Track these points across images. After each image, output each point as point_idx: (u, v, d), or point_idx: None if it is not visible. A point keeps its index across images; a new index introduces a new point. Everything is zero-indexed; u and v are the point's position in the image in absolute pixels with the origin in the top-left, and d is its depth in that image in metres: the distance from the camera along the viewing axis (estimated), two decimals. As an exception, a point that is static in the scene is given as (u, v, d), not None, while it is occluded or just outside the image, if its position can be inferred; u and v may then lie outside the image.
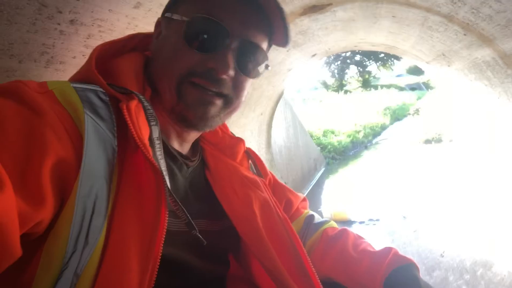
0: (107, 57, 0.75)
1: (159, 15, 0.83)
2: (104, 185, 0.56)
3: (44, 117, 0.53)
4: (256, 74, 0.80)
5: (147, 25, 1.54)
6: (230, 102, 0.78)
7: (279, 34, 0.79)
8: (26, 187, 0.48)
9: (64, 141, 0.54)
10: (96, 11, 1.28)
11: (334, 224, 1.04)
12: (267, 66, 0.81)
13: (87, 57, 0.71)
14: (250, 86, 0.82)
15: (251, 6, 0.74)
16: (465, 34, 2.28)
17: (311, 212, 1.07)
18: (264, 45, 0.79)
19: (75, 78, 0.69)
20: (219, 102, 0.76)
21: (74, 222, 0.52)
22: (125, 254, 0.56)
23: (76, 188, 0.53)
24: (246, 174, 0.89)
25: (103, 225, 0.55)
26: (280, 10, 0.74)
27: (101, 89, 0.65)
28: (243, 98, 0.81)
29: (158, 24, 0.82)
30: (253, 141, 4.44)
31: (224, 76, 0.73)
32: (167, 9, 0.81)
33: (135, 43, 0.85)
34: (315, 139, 10.01)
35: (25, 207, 0.47)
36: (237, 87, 0.77)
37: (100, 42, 1.42)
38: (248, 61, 0.76)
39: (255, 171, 0.99)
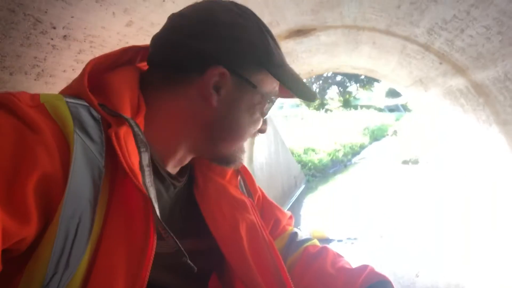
0: (101, 71, 0.73)
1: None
2: (88, 207, 0.55)
3: (38, 132, 0.52)
4: None
5: (137, 42, 1.53)
6: None
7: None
8: (11, 201, 0.47)
9: (54, 157, 0.53)
10: (89, 27, 1.31)
11: (316, 242, 1.04)
12: None
13: (76, 71, 0.69)
14: None
15: None
16: (440, 63, 2.41)
17: (295, 230, 1.08)
18: None
19: (67, 92, 0.67)
20: None
21: (56, 244, 0.50)
22: (111, 279, 0.55)
23: (61, 209, 0.51)
24: (234, 195, 0.89)
25: (85, 248, 0.53)
26: None
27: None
28: None
29: (222, 74, 0.72)
30: (235, 157, 4.45)
31: None
32: (236, 63, 0.73)
33: (129, 56, 0.81)
34: (296, 156, 10.10)
35: (9, 222, 0.46)
36: None
37: (90, 57, 1.44)
38: None
39: (244, 189, 0.98)
